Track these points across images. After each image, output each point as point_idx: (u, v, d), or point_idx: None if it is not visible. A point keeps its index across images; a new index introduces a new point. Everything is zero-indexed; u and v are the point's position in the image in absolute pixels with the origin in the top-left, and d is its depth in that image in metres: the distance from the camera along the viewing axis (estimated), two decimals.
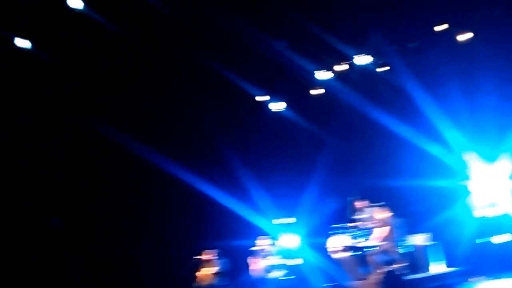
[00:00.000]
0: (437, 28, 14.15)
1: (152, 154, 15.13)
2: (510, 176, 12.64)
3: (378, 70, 15.28)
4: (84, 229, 16.18)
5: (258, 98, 16.50)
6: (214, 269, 14.32)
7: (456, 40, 14.11)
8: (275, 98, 16.55)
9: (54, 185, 15.66)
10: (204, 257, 14.46)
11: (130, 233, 16.22)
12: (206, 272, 14.36)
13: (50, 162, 15.50)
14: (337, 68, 15.53)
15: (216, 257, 14.46)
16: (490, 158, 12.97)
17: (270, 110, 16.66)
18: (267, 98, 16.55)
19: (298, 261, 15.33)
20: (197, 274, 14.45)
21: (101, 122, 14.74)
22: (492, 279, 11.20)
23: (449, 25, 14.09)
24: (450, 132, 13.50)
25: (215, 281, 14.25)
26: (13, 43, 13.36)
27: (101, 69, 14.37)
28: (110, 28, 13.22)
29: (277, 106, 16.59)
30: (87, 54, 13.97)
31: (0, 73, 13.57)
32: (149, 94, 15.37)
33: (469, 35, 13.92)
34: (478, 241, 13.05)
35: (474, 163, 13.14)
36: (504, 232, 12.58)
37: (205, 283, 14.30)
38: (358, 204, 14.10)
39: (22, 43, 13.43)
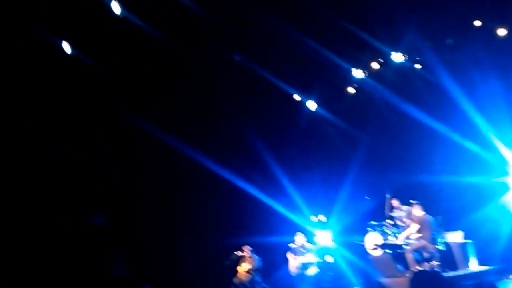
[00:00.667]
0: (474, 24, 14.01)
1: (193, 153, 15.39)
2: None
3: (413, 67, 15.18)
4: (127, 226, 16.53)
5: (294, 97, 16.55)
6: (252, 265, 14.51)
7: (493, 36, 13.93)
8: (311, 96, 16.58)
9: (96, 182, 15.99)
10: (242, 253, 14.68)
11: (172, 231, 16.51)
12: (244, 268, 14.57)
13: (93, 159, 15.81)
14: (372, 66, 15.50)
15: (254, 254, 14.64)
16: None
17: (306, 108, 16.70)
18: (303, 96, 16.58)
19: (335, 258, 15.44)
20: (236, 269, 14.69)
21: (144, 121, 15.00)
22: None
23: (485, 20, 13.94)
24: (488, 128, 13.40)
25: (253, 277, 14.43)
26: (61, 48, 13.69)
27: (143, 68, 14.58)
28: (145, 30, 13.39)
29: (313, 105, 16.62)
30: (127, 55, 14.22)
31: (46, 76, 13.86)
32: (188, 93, 15.58)
33: (505, 31, 13.73)
34: None
35: None
36: None
37: (244, 278, 14.53)
38: (394, 202, 14.20)
39: (66, 47, 13.75)
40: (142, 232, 16.48)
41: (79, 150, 15.68)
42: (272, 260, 15.30)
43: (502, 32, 13.78)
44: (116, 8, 12.99)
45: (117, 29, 13.10)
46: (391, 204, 14.51)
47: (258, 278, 14.56)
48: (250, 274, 14.52)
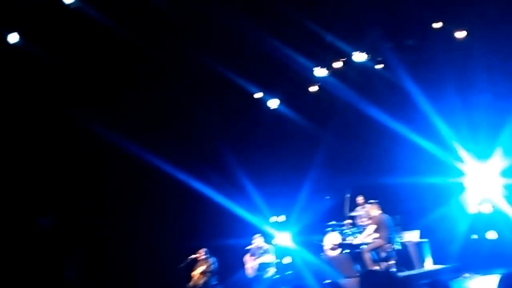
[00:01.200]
0: (434, 26, 14.11)
1: (146, 152, 15.02)
2: (502, 173, 12.62)
3: (375, 67, 15.23)
4: (77, 229, 16.04)
5: (254, 95, 16.43)
6: (208, 267, 14.28)
7: (452, 38, 14.07)
8: (272, 95, 16.48)
9: (47, 184, 15.51)
10: (197, 256, 14.41)
11: (124, 233, 16.09)
12: (199, 271, 14.34)
13: (43, 161, 15.34)
14: (334, 65, 15.48)
15: (209, 256, 14.43)
16: (484, 155, 12.99)
17: (266, 107, 16.58)
18: (264, 95, 16.46)
19: (293, 259, 15.33)
20: (191, 273, 14.45)
21: (95, 120, 14.57)
22: (484, 275, 11.19)
23: (445, 22, 14.05)
24: (445, 130, 13.48)
25: (208, 279, 14.22)
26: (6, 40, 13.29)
27: (96, 67, 14.21)
28: (104, 24, 13.06)
29: (275, 103, 16.53)
30: (83, 52, 13.88)
31: None
32: (144, 91, 15.22)
33: (465, 33, 13.85)
34: (472, 237, 13.12)
35: (468, 161, 13.16)
36: (496, 228, 12.61)
37: (199, 281, 14.28)
38: (359, 199, 14.19)
39: (14, 38, 13.33)
40: (94, 234, 16.04)
41: (29, 150, 15.17)
42: (229, 262, 15.07)
43: (460, 34, 13.91)
44: None
45: (68, 20, 12.75)
46: (354, 202, 14.52)
47: (213, 281, 14.30)
48: (205, 276, 14.24)
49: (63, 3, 12.62)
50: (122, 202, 15.96)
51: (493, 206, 12.73)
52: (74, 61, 13.63)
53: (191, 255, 14.34)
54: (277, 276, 14.18)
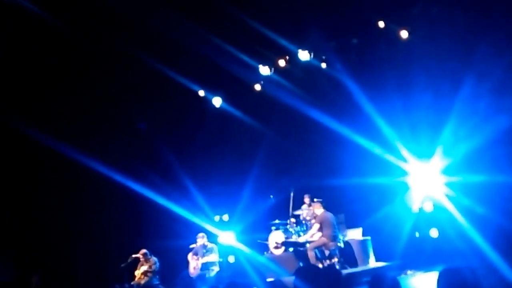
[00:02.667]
0: (377, 25, 14.22)
1: (86, 153, 14.53)
2: (443, 172, 12.84)
3: (319, 66, 15.24)
4: (14, 230, 15.43)
5: (197, 94, 16.19)
6: (150, 267, 14.04)
7: (395, 38, 14.20)
8: (215, 93, 16.29)
9: None
10: (139, 256, 14.14)
11: (64, 234, 15.59)
12: (141, 271, 14.08)
13: None
14: (278, 63, 15.41)
15: (152, 255, 14.18)
16: (425, 154, 13.17)
17: (210, 105, 16.36)
18: (207, 93, 16.25)
19: (236, 258, 15.22)
20: (134, 273, 14.15)
21: (33, 120, 14.02)
22: (426, 272, 11.33)
23: (388, 22, 14.18)
24: (387, 130, 13.60)
25: (150, 279, 13.97)
26: None
27: (27, 62, 13.64)
28: (38, 18, 12.54)
29: (217, 102, 16.34)
30: (12, 46, 13.31)
31: None
32: (84, 91, 14.75)
33: (406, 33, 14.02)
34: (417, 235, 13.31)
35: (411, 160, 13.32)
36: (438, 226, 12.82)
37: (141, 281, 14.01)
38: (305, 198, 14.20)
39: None
40: (31, 235, 15.43)
41: None
42: (173, 262, 14.87)
43: (403, 34, 14.06)
44: None
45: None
46: (301, 201, 14.52)
47: (155, 280, 14.08)
48: (148, 276, 14.01)
49: None
50: (63, 203, 15.47)
51: (435, 204, 12.92)
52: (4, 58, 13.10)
53: (134, 255, 14.11)
54: (221, 275, 14.04)
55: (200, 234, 14.28)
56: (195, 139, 16.57)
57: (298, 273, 6.15)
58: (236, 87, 16.04)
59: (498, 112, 11.98)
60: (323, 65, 15.22)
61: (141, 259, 14.12)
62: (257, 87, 16.12)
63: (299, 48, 14.84)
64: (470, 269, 4.67)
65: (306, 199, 14.40)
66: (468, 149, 12.04)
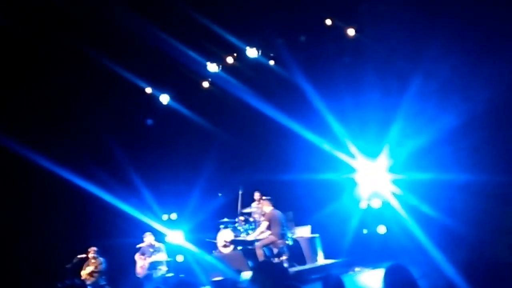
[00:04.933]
0: (325, 22, 14.22)
1: (31, 150, 14.16)
2: (389, 169, 12.94)
3: (268, 63, 15.19)
4: None
5: (145, 91, 15.95)
6: (96, 268, 13.83)
7: (343, 35, 14.25)
8: (164, 90, 16.05)
9: None
10: (86, 255, 13.93)
11: (8, 232, 15.13)
12: (88, 271, 13.83)
13: None
14: (226, 60, 15.29)
15: (98, 256, 13.94)
16: (373, 151, 13.26)
17: (158, 103, 16.14)
18: (155, 90, 16.00)
19: (185, 257, 15.08)
20: (80, 273, 13.90)
21: None
22: (373, 268, 11.40)
23: (336, 19, 14.21)
24: (337, 127, 13.63)
25: (97, 279, 13.75)
26: None
27: None
28: None
29: (165, 99, 16.09)
30: None
31: None
32: (27, 86, 14.37)
33: (353, 31, 14.06)
34: (364, 231, 13.41)
35: (359, 157, 13.40)
36: (385, 223, 12.94)
37: (88, 282, 13.77)
38: (256, 196, 14.13)
39: None
40: None
41: None
42: (119, 262, 14.60)
43: (351, 31, 14.11)
44: None
45: None
46: (249, 199, 14.44)
47: (102, 281, 13.88)
48: (94, 276, 13.80)
49: None
50: (6, 201, 14.95)
51: (382, 201, 13.03)
52: None
53: (79, 254, 13.91)
54: (169, 274, 13.88)
55: (147, 233, 14.13)
56: (143, 136, 16.33)
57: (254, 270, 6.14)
58: (184, 84, 15.88)
59: (445, 111, 12.10)
60: (271, 62, 15.17)
61: (89, 257, 13.93)
62: (205, 84, 15.96)
63: (247, 45, 14.74)
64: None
65: (257, 196, 14.32)
66: (414, 147, 12.15)
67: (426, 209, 11.43)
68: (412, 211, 11.86)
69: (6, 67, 13.77)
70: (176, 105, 16.07)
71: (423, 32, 12.62)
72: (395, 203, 12.43)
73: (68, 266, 13.65)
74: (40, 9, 12.78)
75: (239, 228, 14.19)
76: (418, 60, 12.45)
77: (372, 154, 13.31)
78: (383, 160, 13.02)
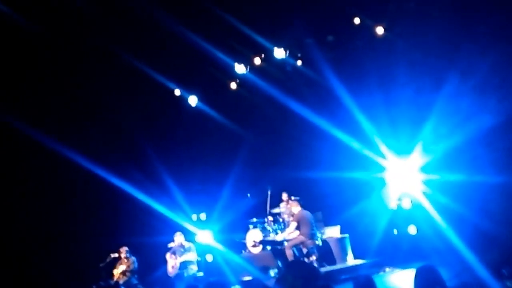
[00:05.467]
0: (354, 21, 14.13)
1: (65, 148, 14.34)
2: (421, 169, 12.77)
3: (295, 63, 15.15)
4: None
5: (175, 92, 16.04)
6: (128, 267, 13.93)
7: (372, 34, 14.14)
8: (192, 91, 16.13)
9: None
10: (119, 254, 14.04)
11: (41, 233, 15.32)
12: (120, 270, 13.95)
13: None
14: (255, 61, 15.29)
15: (130, 255, 14.05)
16: (404, 150, 13.11)
17: (188, 104, 16.20)
18: (183, 92, 16.09)
19: (214, 257, 15.13)
20: (113, 272, 14.02)
21: (13, 115, 13.80)
22: (403, 269, 11.29)
23: (364, 18, 14.11)
24: (367, 125, 13.53)
25: (129, 278, 13.84)
26: None
27: (9, 58, 13.42)
28: (14, 16, 12.35)
29: (194, 100, 16.16)
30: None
31: None
32: (63, 86, 14.54)
33: (384, 29, 13.93)
34: (395, 232, 13.27)
35: (389, 156, 13.26)
36: (416, 223, 12.78)
37: (121, 280, 13.88)
38: (283, 196, 14.13)
39: None
40: (7, 235, 15.10)
41: None
42: (151, 261, 14.70)
43: (380, 30, 13.98)
44: None
45: None
46: (278, 199, 14.44)
47: (134, 280, 13.96)
48: (127, 276, 13.90)
49: None
50: (40, 199, 15.16)
51: (412, 202, 12.87)
52: None
53: (112, 253, 14.01)
54: (199, 274, 13.92)
55: (177, 233, 14.16)
56: (174, 136, 16.42)
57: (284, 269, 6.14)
58: (212, 86, 15.94)
59: (480, 111, 11.89)
60: (299, 63, 15.12)
61: (121, 257, 14.03)
62: (233, 85, 16.00)
63: (275, 45, 14.72)
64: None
65: (284, 196, 14.32)
66: (448, 147, 11.97)
67: (458, 209, 11.25)
68: (444, 211, 11.69)
69: (40, 68, 14.03)
70: (204, 107, 16.12)
71: (459, 29, 12.44)
72: (426, 203, 12.27)
73: (101, 265, 13.77)
74: (73, 9, 12.93)
75: (268, 228, 14.19)
76: (454, 57, 12.28)
77: (403, 153, 13.17)
78: (415, 159, 12.86)
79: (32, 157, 14.96)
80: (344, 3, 13.74)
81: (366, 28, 14.16)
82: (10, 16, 12.32)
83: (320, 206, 14.24)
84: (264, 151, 15.78)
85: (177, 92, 16.09)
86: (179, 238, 14.07)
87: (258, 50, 15.03)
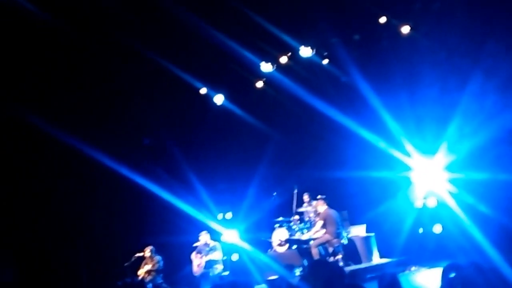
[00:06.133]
0: (380, 21, 14.11)
1: (91, 148, 14.51)
2: (447, 168, 12.73)
3: (322, 62, 15.16)
4: (15, 228, 15.39)
5: (201, 91, 16.13)
6: (154, 266, 14.03)
7: (398, 33, 14.10)
8: (218, 90, 16.22)
9: None
10: (144, 254, 14.16)
11: (67, 232, 15.58)
12: (145, 270, 14.08)
13: None
14: (281, 60, 15.31)
15: (155, 254, 14.17)
16: (430, 149, 13.08)
17: (213, 103, 16.26)
18: (209, 90, 16.18)
19: (240, 256, 15.20)
20: (138, 271, 14.16)
21: (36, 114, 13.97)
22: (430, 268, 11.27)
23: (391, 17, 14.08)
24: (392, 124, 13.52)
25: (154, 277, 13.96)
26: None
27: (31, 59, 13.64)
28: (39, 14, 12.52)
29: (220, 98, 16.27)
30: (23, 45, 13.31)
31: None
32: (88, 86, 14.72)
33: (410, 28, 13.89)
34: (420, 230, 13.24)
35: (415, 155, 13.23)
36: (441, 222, 12.74)
37: (146, 279, 14.01)
38: (305, 197, 14.17)
39: None
40: (33, 234, 15.38)
41: None
42: (176, 260, 14.83)
43: (405, 29, 13.95)
44: None
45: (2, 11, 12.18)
46: (302, 199, 14.48)
47: (159, 279, 14.07)
48: (152, 275, 14.01)
49: None
50: (65, 199, 15.40)
51: (438, 200, 12.84)
52: (13, 55, 13.07)
53: (137, 253, 14.11)
54: (224, 273, 14.02)
55: (203, 232, 14.26)
56: (199, 135, 16.53)
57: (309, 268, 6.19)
58: (238, 84, 15.97)
59: (505, 109, 11.84)
60: (325, 61, 15.13)
61: (146, 256, 14.14)
62: (259, 84, 16.05)
63: (301, 44, 14.74)
64: (475, 265, 4.68)
65: (306, 198, 14.36)
66: (472, 146, 11.93)
67: (483, 208, 11.20)
68: (469, 210, 11.65)
69: (67, 67, 14.22)
70: (230, 105, 16.19)
71: (483, 29, 12.38)
72: (451, 202, 12.23)
73: (127, 264, 13.89)
74: (98, 9, 13.07)
75: (293, 227, 14.24)
76: (478, 57, 12.23)
77: (429, 152, 13.13)
78: (440, 158, 12.82)
79: (60, 158, 15.21)
80: (370, 2, 13.73)
81: (392, 28, 14.12)
82: (35, 14, 12.50)
83: (346, 205, 14.23)
84: (290, 150, 15.83)
85: (203, 90, 16.14)
86: (204, 237, 14.15)
87: (285, 48, 15.00)
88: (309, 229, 13.74)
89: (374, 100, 13.63)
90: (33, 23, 12.47)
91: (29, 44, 13.12)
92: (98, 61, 14.28)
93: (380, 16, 14.08)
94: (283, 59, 15.29)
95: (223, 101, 16.16)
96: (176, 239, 14.66)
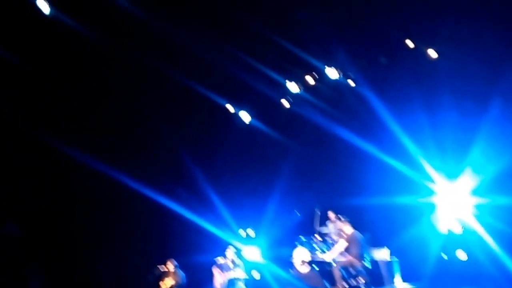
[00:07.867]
0: (405, 44, 14.23)
1: (113, 167, 14.65)
2: (472, 192, 12.76)
3: (346, 83, 15.28)
4: (45, 240, 15.48)
5: (225, 109, 16.28)
6: (176, 281, 14.07)
7: (421, 57, 14.21)
8: (243, 108, 16.36)
9: (13, 192, 14.98)
10: (166, 267, 14.20)
11: (91, 245, 15.69)
12: (167, 284, 14.11)
13: (13, 170, 14.84)
14: (306, 80, 15.47)
15: (179, 269, 14.20)
16: (453, 174, 13.11)
17: (237, 121, 16.46)
18: (236, 109, 16.33)
19: (261, 274, 15.19)
20: (159, 285, 14.19)
21: (61, 134, 14.15)
22: None
23: (415, 41, 14.20)
24: (413, 149, 13.57)
25: None
26: None
27: (58, 76, 13.84)
28: (72, 33, 12.70)
29: (247, 117, 16.40)
30: (49, 59, 13.48)
31: None
32: (112, 105, 14.91)
33: (435, 52, 14.01)
34: (444, 257, 13.23)
35: (438, 180, 13.26)
36: (467, 248, 12.72)
37: None
38: (330, 214, 14.16)
39: None
40: (60, 245, 15.55)
41: None
42: (197, 278, 14.85)
43: (432, 53, 14.05)
44: (44, 7, 12.32)
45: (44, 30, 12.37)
46: (328, 217, 14.49)
47: None
48: None
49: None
50: (90, 215, 15.52)
51: (463, 226, 12.84)
52: (39, 72, 13.24)
53: (160, 266, 14.17)
54: None
55: (229, 248, 14.29)
56: (221, 153, 16.61)
57: None
58: (264, 104, 16.10)
59: None
60: (351, 83, 15.23)
61: (170, 271, 14.17)
62: (285, 103, 16.15)
63: (327, 65, 14.87)
64: None
65: (331, 215, 14.36)
66: (497, 170, 11.97)
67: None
68: (497, 235, 11.65)
69: (94, 88, 14.37)
70: (256, 123, 16.30)
71: (503, 54, 12.48)
72: (478, 228, 12.24)
73: (150, 276, 13.99)
74: (123, 30, 13.23)
75: (315, 246, 14.21)
76: (497, 82, 12.31)
77: (451, 176, 13.17)
78: (464, 183, 12.85)
79: (81, 175, 15.31)
80: (397, 26, 13.83)
81: (417, 51, 14.25)
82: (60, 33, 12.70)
83: (366, 229, 14.25)
84: (313, 169, 15.94)
85: (229, 108, 16.31)
86: (230, 253, 14.22)
87: (312, 69, 15.25)
88: (329, 248, 13.73)
89: (395, 124, 13.74)
90: (62, 44, 12.64)
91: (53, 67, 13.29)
92: (123, 81, 14.49)
93: (406, 39, 14.22)
94: (310, 80, 15.43)
95: (249, 120, 16.29)
96: (197, 258, 14.72)
